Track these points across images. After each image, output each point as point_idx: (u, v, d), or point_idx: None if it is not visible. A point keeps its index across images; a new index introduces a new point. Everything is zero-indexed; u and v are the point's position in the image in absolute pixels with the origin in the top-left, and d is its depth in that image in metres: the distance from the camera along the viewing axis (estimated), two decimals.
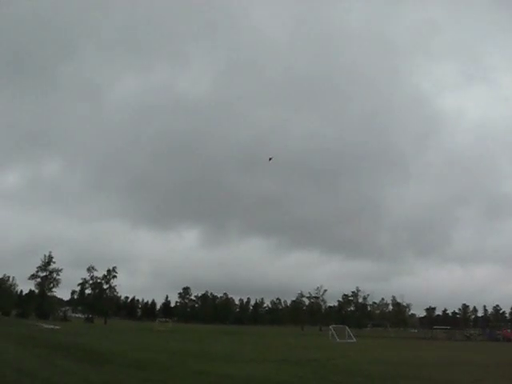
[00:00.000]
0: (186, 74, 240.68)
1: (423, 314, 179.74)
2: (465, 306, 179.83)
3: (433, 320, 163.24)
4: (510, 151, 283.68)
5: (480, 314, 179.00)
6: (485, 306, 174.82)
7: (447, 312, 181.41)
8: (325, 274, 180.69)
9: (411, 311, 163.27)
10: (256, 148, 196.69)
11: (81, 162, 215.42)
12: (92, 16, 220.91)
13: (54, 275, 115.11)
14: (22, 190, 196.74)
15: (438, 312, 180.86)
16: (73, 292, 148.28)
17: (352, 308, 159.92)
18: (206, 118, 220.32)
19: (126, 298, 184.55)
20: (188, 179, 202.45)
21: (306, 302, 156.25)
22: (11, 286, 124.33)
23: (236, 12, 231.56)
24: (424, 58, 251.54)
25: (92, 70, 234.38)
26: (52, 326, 67.31)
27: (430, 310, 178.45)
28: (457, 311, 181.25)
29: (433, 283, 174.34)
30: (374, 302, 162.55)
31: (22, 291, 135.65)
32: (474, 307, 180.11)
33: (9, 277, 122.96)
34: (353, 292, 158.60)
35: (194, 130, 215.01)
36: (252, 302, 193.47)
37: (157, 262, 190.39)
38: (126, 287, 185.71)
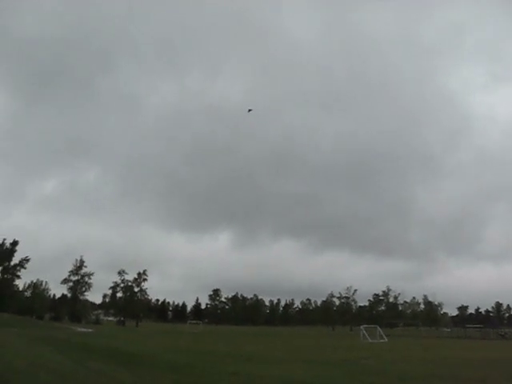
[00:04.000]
0: (219, 79, 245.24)
1: (455, 312, 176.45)
2: (498, 304, 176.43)
3: (465, 319, 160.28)
4: None
5: None
6: None
7: (480, 310, 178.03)
8: (355, 274, 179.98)
9: (443, 310, 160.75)
10: (287, 149, 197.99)
11: (116, 168, 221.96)
12: (129, 30, 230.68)
13: (86, 279, 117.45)
14: (59, 196, 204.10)
15: (471, 310, 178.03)
16: (104, 295, 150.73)
17: (383, 308, 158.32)
18: (239, 122, 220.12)
19: (157, 300, 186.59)
20: (220, 182, 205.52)
21: (337, 302, 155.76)
22: (44, 290, 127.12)
23: (267, 17, 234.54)
24: (454, 58, 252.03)
25: (129, 80, 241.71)
26: (85, 329, 68.51)
27: (463, 308, 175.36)
28: (490, 309, 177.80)
29: (465, 281, 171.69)
30: (406, 302, 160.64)
31: (54, 295, 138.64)
32: (508, 305, 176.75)
33: (42, 281, 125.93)
34: (383, 291, 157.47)
35: (227, 133, 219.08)
36: (282, 303, 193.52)
37: (188, 264, 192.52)
38: (157, 290, 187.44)
